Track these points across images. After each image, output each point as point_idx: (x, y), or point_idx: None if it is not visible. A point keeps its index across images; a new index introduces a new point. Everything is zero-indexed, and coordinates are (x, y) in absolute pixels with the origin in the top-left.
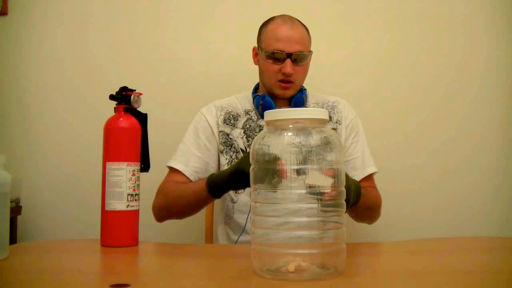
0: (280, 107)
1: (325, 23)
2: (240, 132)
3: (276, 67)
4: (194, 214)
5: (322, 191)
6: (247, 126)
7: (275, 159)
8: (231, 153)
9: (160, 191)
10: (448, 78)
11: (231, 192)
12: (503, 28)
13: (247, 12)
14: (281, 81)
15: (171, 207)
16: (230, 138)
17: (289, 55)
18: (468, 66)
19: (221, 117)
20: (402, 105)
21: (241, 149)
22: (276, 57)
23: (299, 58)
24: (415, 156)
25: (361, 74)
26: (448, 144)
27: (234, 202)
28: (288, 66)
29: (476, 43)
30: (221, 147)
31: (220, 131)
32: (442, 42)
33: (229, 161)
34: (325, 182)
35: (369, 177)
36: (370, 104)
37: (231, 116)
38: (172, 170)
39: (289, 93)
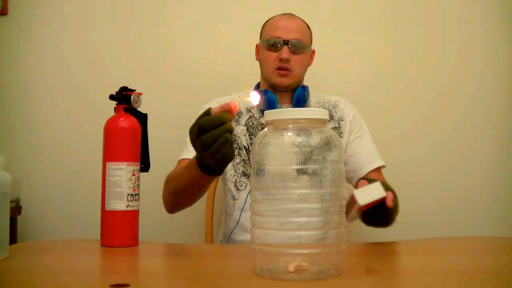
0: (282, 105)
1: (327, 23)
2: (243, 129)
3: (274, 54)
4: (197, 196)
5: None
6: (250, 123)
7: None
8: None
9: (165, 180)
10: (447, 77)
11: (233, 189)
12: (502, 25)
13: (248, 11)
14: (279, 68)
15: (172, 190)
16: (234, 134)
17: (286, 42)
18: (467, 63)
19: None
20: (401, 103)
21: (244, 146)
22: (274, 44)
23: (297, 47)
24: (414, 156)
25: (361, 73)
26: (447, 143)
27: (235, 199)
28: (284, 51)
29: (476, 40)
30: None
31: None
32: (443, 39)
33: None
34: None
35: (378, 171)
36: (369, 102)
37: None
38: (181, 160)
39: (286, 81)
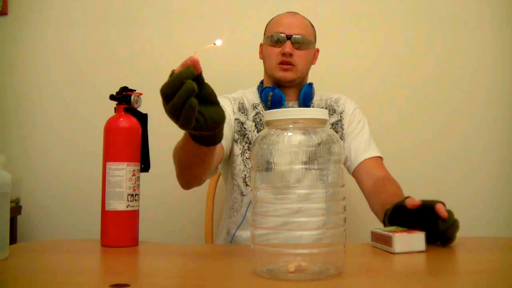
0: (288, 102)
1: (329, 21)
2: (252, 125)
3: (277, 49)
4: (201, 169)
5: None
6: (257, 119)
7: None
8: (244, 143)
9: (172, 154)
10: (453, 76)
11: (242, 185)
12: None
13: (250, 11)
14: (281, 63)
15: (178, 164)
16: (245, 128)
17: (289, 37)
18: (473, 63)
19: (236, 106)
20: (403, 104)
21: None
22: (277, 40)
23: (300, 42)
24: (419, 156)
25: (364, 72)
26: (455, 148)
27: (244, 195)
28: (287, 46)
29: (480, 40)
30: (236, 136)
31: (235, 119)
32: (447, 38)
33: (242, 151)
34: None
35: (376, 161)
36: (371, 101)
37: (243, 107)
38: None
39: (289, 75)
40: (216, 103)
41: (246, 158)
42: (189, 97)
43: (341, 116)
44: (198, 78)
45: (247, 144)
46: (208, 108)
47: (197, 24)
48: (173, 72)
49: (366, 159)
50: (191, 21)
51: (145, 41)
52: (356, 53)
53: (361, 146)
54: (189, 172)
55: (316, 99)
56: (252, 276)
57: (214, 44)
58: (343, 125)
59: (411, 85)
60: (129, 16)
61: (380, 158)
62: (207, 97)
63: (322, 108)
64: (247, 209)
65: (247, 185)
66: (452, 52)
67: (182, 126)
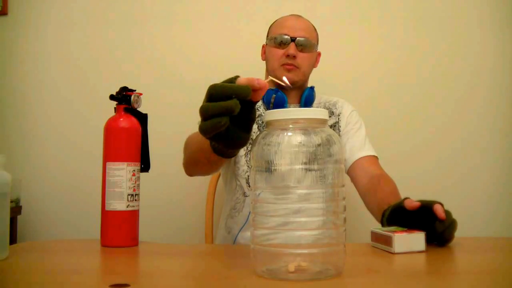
0: (290, 104)
1: (328, 23)
2: (255, 127)
3: (280, 51)
4: (209, 170)
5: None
6: (260, 122)
7: (275, 159)
8: (248, 144)
9: (185, 142)
10: (453, 78)
11: (244, 186)
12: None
13: (250, 12)
14: (285, 65)
15: (187, 156)
16: None
17: (293, 39)
18: (479, 72)
19: None
20: (403, 106)
21: None
22: (281, 42)
23: (304, 45)
24: (418, 157)
25: (363, 74)
26: (455, 149)
27: (246, 196)
28: (291, 48)
29: (480, 39)
30: None
31: None
32: (447, 39)
33: (245, 152)
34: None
35: (371, 160)
36: (376, 112)
37: None
38: None
39: (292, 77)
40: (248, 131)
41: (249, 159)
42: (225, 114)
43: (338, 118)
44: (250, 103)
45: (250, 145)
46: (238, 131)
47: (198, 24)
48: (235, 78)
49: (361, 158)
50: (192, 21)
51: (145, 41)
52: (355, 55)
53: (356, 145)
54: (196, 166)
55: (315, 102)
56: (252, 276)
57: (284, 81)
58: (340, 127)
59: (411, 86)
60: (129, 16)
61: (376, 157)
62: (245, 123)
63: None
64: (250, 210)
65: (250, 186)
66: (451, 53)
67: (200, 130)
